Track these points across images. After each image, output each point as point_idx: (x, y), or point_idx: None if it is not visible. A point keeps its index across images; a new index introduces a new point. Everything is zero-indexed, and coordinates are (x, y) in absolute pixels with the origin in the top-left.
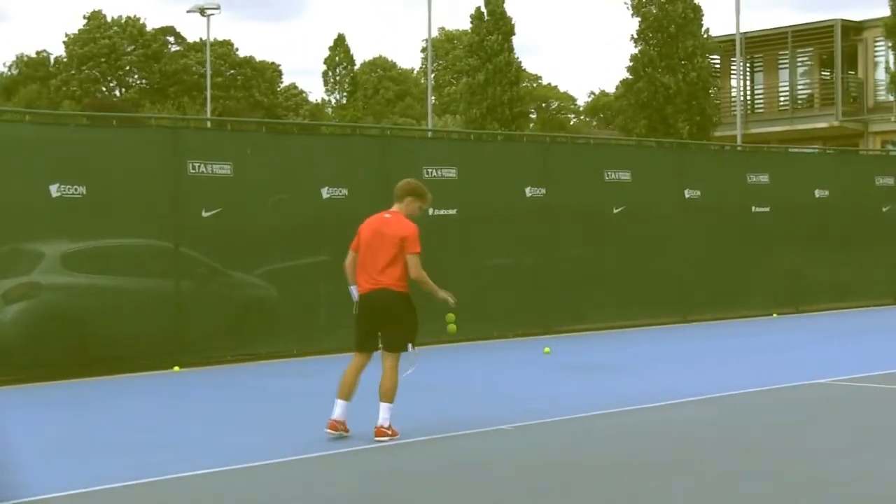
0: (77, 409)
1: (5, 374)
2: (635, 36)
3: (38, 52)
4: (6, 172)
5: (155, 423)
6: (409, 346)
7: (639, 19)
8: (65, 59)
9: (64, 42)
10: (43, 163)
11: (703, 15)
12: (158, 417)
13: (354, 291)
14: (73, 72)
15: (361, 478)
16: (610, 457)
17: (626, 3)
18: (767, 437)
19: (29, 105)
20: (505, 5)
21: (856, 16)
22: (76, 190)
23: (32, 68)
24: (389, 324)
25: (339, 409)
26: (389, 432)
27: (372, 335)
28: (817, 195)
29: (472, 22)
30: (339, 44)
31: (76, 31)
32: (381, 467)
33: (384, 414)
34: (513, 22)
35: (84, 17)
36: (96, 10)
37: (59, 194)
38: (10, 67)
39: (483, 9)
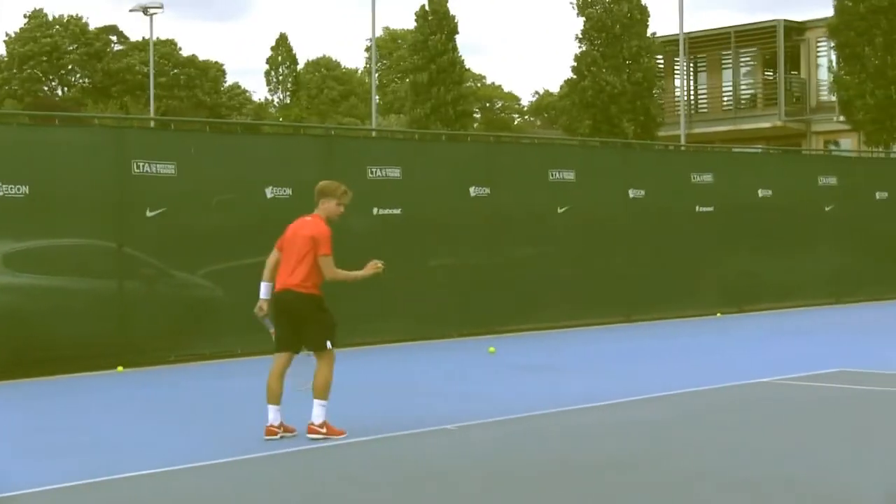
0: (20, 409)
1: None
2: (580, 35)
3: None
4: None
5: (98, 423)
6: (328, 343)
7: (583, 19)
8: (5, 59)
9: (4, 41)
10: None
11: (649, 16)
12: (101, 418)
13: (264, 288)
14: (14, 71)
15: (303, 478)
16: (554, 457)
17: (571, 3)
18: (711, 437)
19: None
20: (448, 4)
21: (798, 16)
22: (18, 190)
23: None
24: (303, 324)
25: (272, 415)
26: (322, 430)
27: (287, 335)
28: (761, 195)
29: (416, 21)
30: (282, 43)
31: (17, 31)
32: (322, 468)
33: (316, 411)
34: (456, 21)
35: (25, 17)
36: (37, 8)
37: (0, 194)
38: None
39: (427, 7)
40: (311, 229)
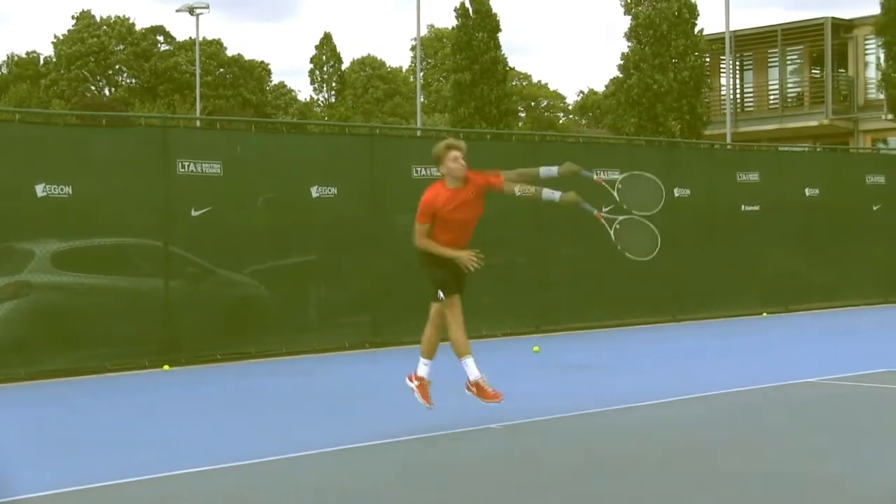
0: (67, 407)
1: None
2: (627, 34)
3: (27, 53)
4: None
5: (145, 421)
6: (440, 293)
7: (630, 17)
8: (53, 60)
9: (53, 42)
10: (31, 162)
11: (698, 14)
12: (148, 416)
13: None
14: (62, 71)
15: (352, 476)
16: (600, 456)
17: (620, 3)
18: (758, 437)
19: (19, 104)
20: (491, 2)
21: (846, 14)
22: (62, 190)
23: (22, 68)
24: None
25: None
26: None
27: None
28: (807, 194)
29: (457, 19)
30: (326, 42)
31: (65, 32)
32: (368, 467)
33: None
34: (498, 19)
35: (73, 18)
36: (85, 9)
37: (44, 194)
38: (0, 67)
39: (468, 6)
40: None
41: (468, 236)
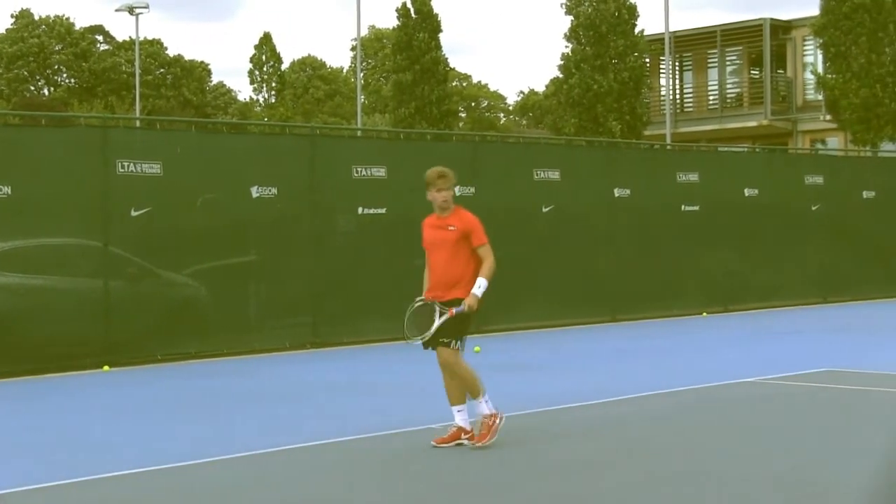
0: (5, 408)
1: None
2: (567, 34)
3: None
4: None
5: (84, 422)
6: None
7: (571, 18)
8: None
9: None
10: None
11: (638, 15)
12: (87, 417)
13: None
14: (1, 71)
15: (288, 478)
16: (537, 456)
17: (561, 3)
18: (695, 437)
19: None
20: (432, 3)
21: (785, 15)
22: (1, 190)
23: None
24: None
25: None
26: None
27: None
28: (747, 194)
29: (398, 19)
30: (265, 42)
31: (4, 31)
32: (306, 467)
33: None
34: (439, 19)
35: (12, 16)
36: (24, 8)
37: None
38: None
39: (410, 6)
40: None
41: (438, 276)
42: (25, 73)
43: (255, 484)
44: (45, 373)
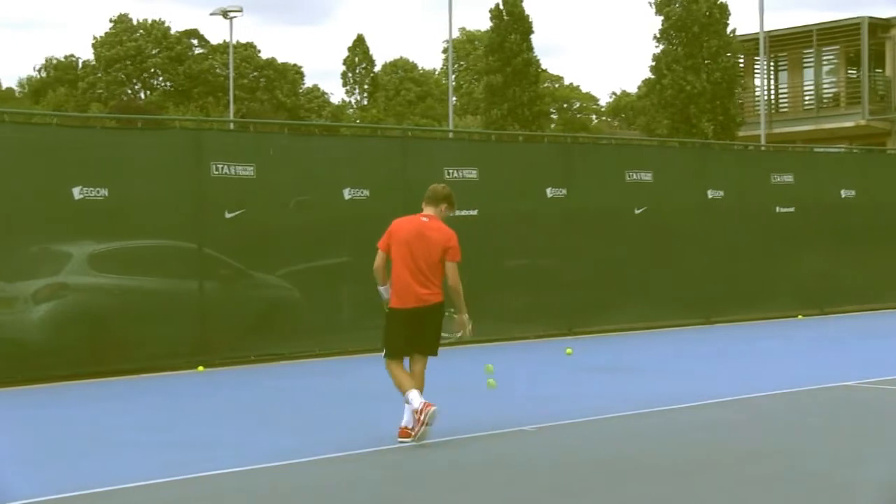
0: (102, 408)
1: (32, 373)
2: (658, 35)
3: (66, 56)
4: (34, 174)
5: (179, 422)
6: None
7: (662, 18)
8: (92, 63)
9: (92, 45)
10: (68, 165)
11: (729, 14)
12: (182, 417)
13: (384, 292)
14: (99, 74)
15: (382, 478)
16: (632, 458)
17: (649, 2)
18: (793, 440)
19: (57, 108)
20: (524, 4)
21: (883, 13)
22: (98, 192)
23: (61, 71)
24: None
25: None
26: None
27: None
28: (843, 195)
29: (491, 21)
30: (359, 44)
31: (103, 35)
32: (402, 468)
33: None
34: (531, 21)
35: (111, 21)
36: (123, 13)
37: (81, 196)
38: (39, 71)
39: (501, 7)
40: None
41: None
42: (123, 76)
43: (351, 485)
44: (139, 373)
